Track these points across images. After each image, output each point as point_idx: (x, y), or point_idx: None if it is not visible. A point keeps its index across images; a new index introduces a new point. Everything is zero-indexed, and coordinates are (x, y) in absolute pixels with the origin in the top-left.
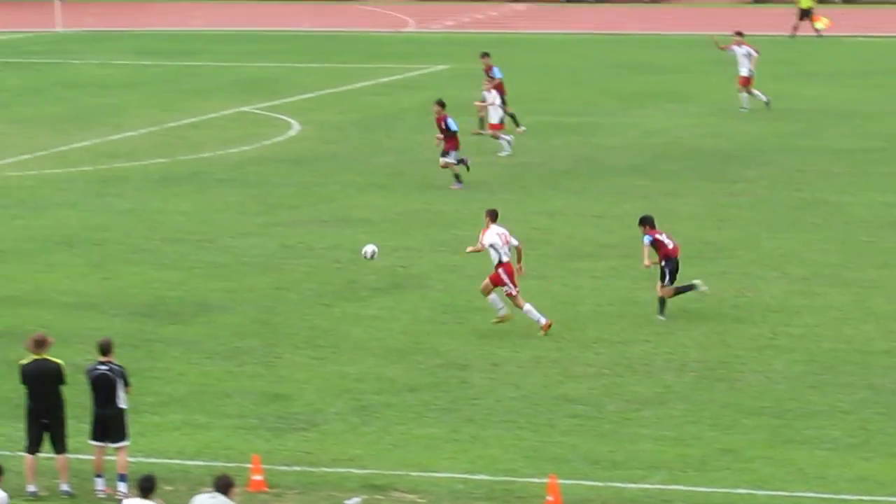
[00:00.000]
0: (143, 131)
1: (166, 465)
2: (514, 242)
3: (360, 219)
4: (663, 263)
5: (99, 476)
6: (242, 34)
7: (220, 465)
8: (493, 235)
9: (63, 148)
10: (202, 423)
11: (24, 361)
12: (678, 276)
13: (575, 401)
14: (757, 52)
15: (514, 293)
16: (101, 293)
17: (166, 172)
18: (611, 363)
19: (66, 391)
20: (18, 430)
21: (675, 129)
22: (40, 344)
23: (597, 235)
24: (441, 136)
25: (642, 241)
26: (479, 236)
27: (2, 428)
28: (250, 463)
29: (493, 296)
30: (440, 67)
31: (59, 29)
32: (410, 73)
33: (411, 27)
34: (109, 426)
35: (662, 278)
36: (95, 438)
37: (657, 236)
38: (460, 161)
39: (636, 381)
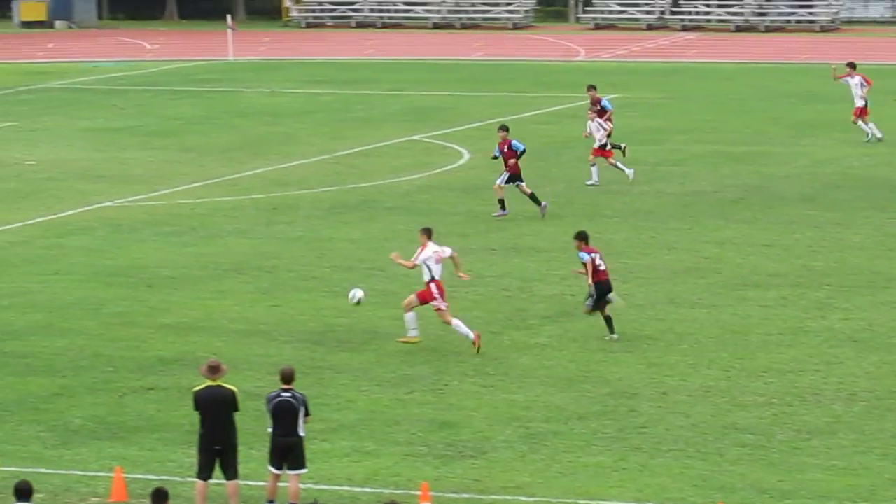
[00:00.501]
0: (313, 159)
1: (335, 492)
2: (448, 253)
3: (529, 247)
4: (593, 287)
5: (270, 502)
6: (413, 63)
7: (388, 492)
8: (429, 253)
9: (234, 176)
10: (371, 450)
11: (198, 388)
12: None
13: (744, 430)
14: (870, 82)
15: (442, 308)
16: (271, 320)
17: (336, 200)
18: (780, 392)
19: (237, 417)
20: (190, 456)
21: (845, 158)
22: (215, 370)
23: (766, 265)
24: (504, 159)
25: (579, 257)
26: (415, 253)
27: (173, 454)
28: (419, 490)
29: (410, 314)
30: (610, 96)
31: (231, 58)
32: (580, 103)
33: (582, 56)
34: (289, 454)
35: (590, 299)
36: (274, 465)
37: (594, 256)
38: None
39: (805, 411)
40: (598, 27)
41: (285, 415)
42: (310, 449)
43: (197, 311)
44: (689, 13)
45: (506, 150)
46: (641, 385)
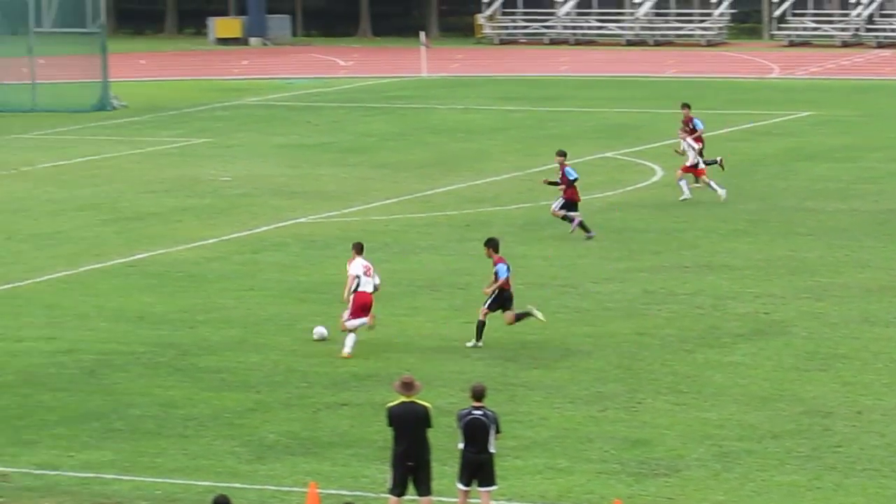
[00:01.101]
0: (506, 176)
1: None
2: (377, 281)
3: (722, 265)
4: (497, 291)
5: None
6: (606, 80)
7: None
8: (359, 267)
9: (427, 192)
10: (564, 467)
11: (392, 404)
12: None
13: None
14: None
15: (344, 318)
16: (464, 337)
17: (529, 217)
18: None
19: (430, 434)
20: (382, 472)
21: None
22: (409, 387)
23: None
24: (561, 184)
25: (497, 272)
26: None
27: (366, 470)
28: None
29: (353, 322)
30: (804, 114)
31: (424, 74)
32: (774, 120)
33: (776, 74)
34: (479, 471)
35: (491, 306)
36: (463, 482)
37: (504, 266)
38: (565, 217)
39: None
40: (792, 44)
41: (476, 432)
42: (501, 466)
43: (391, 327)
44: (884, 30)
45: (562, 174)
46: (836, 404)
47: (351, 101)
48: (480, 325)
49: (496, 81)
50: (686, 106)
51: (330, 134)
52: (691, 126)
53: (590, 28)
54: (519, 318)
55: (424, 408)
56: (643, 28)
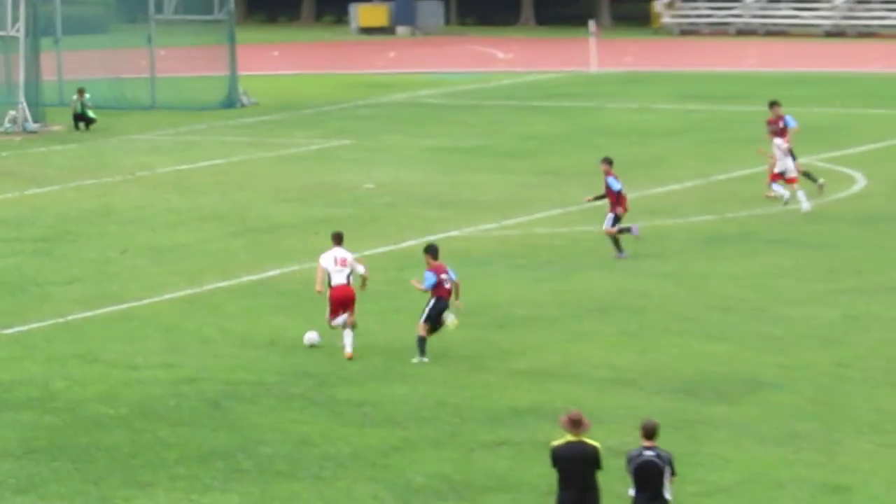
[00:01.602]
0: (686, 184)
1: None
2: (360, 270)
3: None
4: (433, 301)
5: None
6: (800, 76)
7: None
8: (330, 258)
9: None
10: None
11: (557, 443)
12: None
13: None
14: None
15: (328, 316)
16: (638, 367)
17: (713, 231)
18: None
19: (599, 476)
20: None
21: None
22: (577, 424)
23: None
24: (605, 198)
25: (424, 279)
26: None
27: None
28: None
29: (338, 320)
30: None
31: (593, 69)
32: None
33: None
34: None
35: (428, 317)
36: None
37: (442, 276)
38: (622, 231)
39: None
40: None
41: (649, 475)
42: None
43: (555, 355)
44: None
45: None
46: None
47: (511, 98)
48: (421, 341)
49: (675, 77)
50: (775, 104)
51: (487, 136)
52: (781, 125)
53: (782, 17)
54: (433, 330)
55: (594, 448)
56: (843, 18)
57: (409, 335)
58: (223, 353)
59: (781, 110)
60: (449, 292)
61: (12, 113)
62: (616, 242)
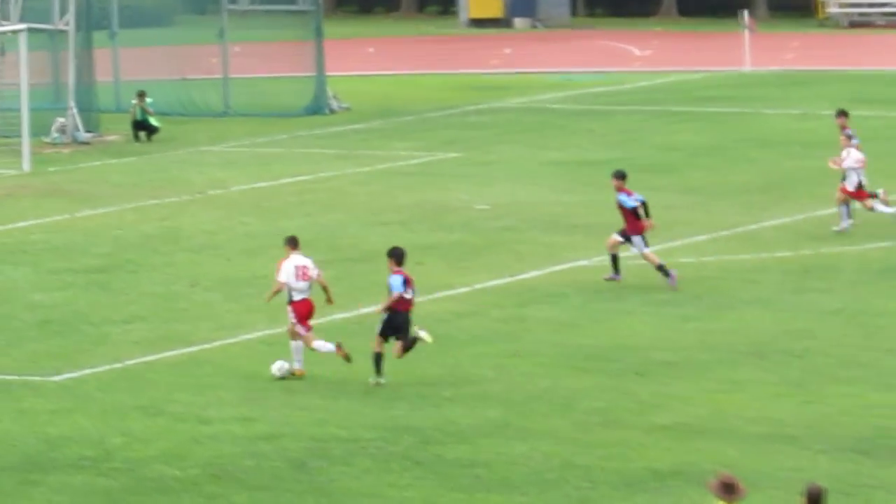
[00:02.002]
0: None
1: None
2: (314, 274)
3: None
4: (388, 315)
5: None
6: None
7: None
8: (291, 271)
9: (752, 226)
10: None
11: None
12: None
13: None
14: None
15: (303, 332)
16: (801, 421)
17: (891, 261)
18: None
19: None
20: None
21: None
22: (731, 489)
23: None
24: (623, 216)
25: (389, 284)
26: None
27: None
28: None
29: (317, 343)
30: None
31: (747, 68)
32: None
33: None
34: None
35: (383, 332)
36: None
37: (400, 278)
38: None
39: None
40: None
41: None
42: None
43: (703, 407)
44: None
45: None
46: None
47: (649, 102)
48: (377, 358)
49: (844, 77)
50: (843, 114)
51: (621, 147)
52: (846, 134)
53: None
54: (407, 347)
55: None
56: None
57: (529, 384)
58: (310, 404)
59: (847, 121)
60: (409, 305)
61: (61, 121)
62: (614, 261)
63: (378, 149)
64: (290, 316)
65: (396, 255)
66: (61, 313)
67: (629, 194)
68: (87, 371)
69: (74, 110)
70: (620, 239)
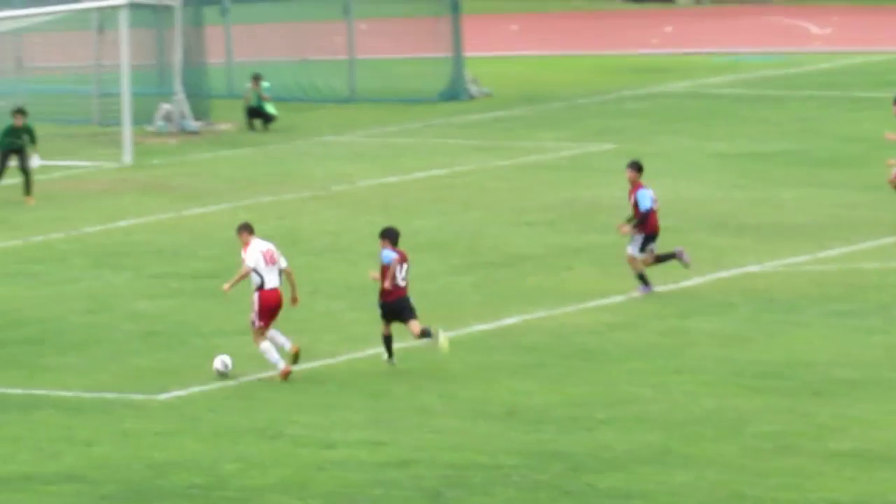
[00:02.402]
0: None
1: None
2: (283, 265)
3: None
4: (383, 305)
5: None
6: None
7: None
8: (257, 255)
9: None
10: None
11: None
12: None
13: None
14: None
15: (258, 325)
16: None
17: None
18: None
19: None
20: None
21: None
22: None
23: None
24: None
25: (381, 257)
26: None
27: None
28: None
29: (265, 344)
30: None
31: None
32: None
33: None
34: None
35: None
36: None
37: (392, 253)
38: (664, 258)
39: None
40: None
41: None
42: None
43: (890, 431)
44: None
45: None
46: None
47: (829, 87)
48: (386, 340)
49: None
50: None
51: (797, 138)
52: None
53: None
54: (423, 332)
55: None
56: None
57: (694, 404)
58: (446, 426)
59: None
60: (402, 291)
61: (167, 107)
62: (642, 276)
63: (522, 139)
64: (254, 305)
65: (391, 236)
66: (167, 324)
67: (647, 191)
68: (197, 389)
69: (181, 96)
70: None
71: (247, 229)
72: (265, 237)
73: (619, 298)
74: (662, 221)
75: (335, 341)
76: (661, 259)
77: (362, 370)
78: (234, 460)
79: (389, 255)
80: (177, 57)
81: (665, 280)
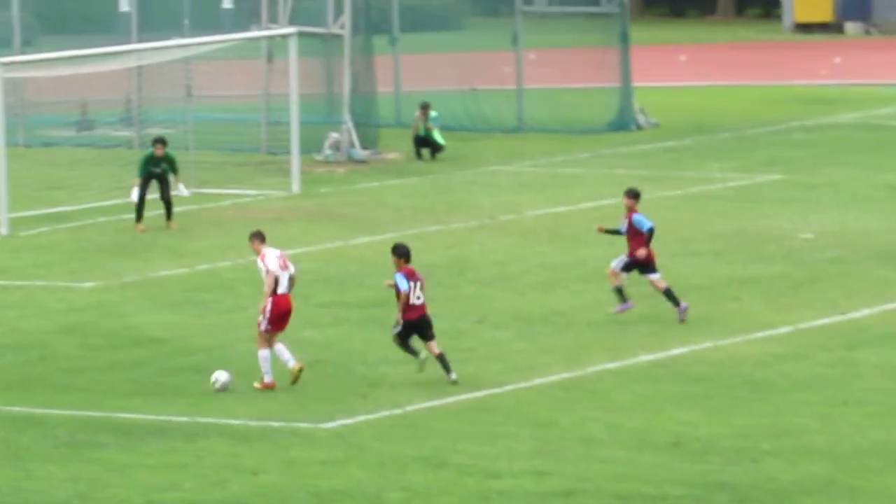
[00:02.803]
0: None
1: None
2: (293, 270)
3: None
4: (401, 326)
5: None
6: None
7: None
8: (275, 260)
9: None
10: None
11: None
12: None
13: None
14: None
15: (265, 328)
16: None
17: None
18: None
19: None
20: None
21: None
22: None
23: None
24: (627, 238)
25: (395, 280)
26: (260, 266)
27: None
28: None
29: (265, 352)
30: None
31: None
32: None
33: None
34: None
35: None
36: None
37: (413, 284)
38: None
39: None
40: None
41: None
42: None
43: None
44: None
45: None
46: None
47: None
48: (404, 346)
49: None
50: None
51: None
52: None
53: None
54: (441, 358)
55: None
56: None
57: (860, 436)
58: (611, 457)
59: None
60: (421, 310)
61: (335, 136)
62: (620, 290)
63: (690, 169)
64: (267, 307)
65: (403, 253)
66: (333, 353)
67: (644, 218)
68: (362, 417)
69: (350, 124)
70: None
71: (259, 237)
72: (432, 266)
73: (786, 329)
74: (828, 252)
75: (501, 371)
76: (668, 295)
77: (528, 399)
78: (399, 489)
79: (403, 283)
80: (345, 86)
81: (832, 312)
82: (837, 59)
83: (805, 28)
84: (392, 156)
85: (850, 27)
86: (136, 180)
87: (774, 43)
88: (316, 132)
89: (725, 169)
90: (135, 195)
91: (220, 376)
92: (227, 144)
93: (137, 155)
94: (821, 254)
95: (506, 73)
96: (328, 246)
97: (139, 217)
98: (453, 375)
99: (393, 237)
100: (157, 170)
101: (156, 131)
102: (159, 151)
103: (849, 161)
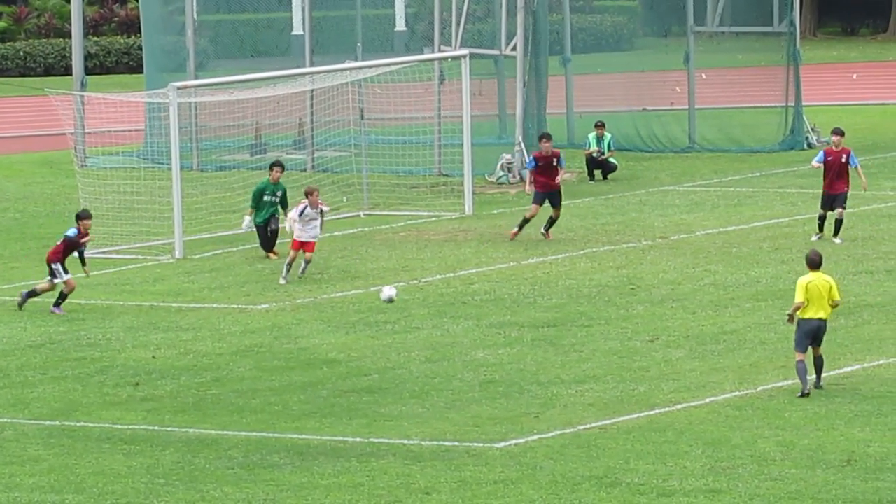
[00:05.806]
0: None
1: None
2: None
3: None
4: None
5: None
6: None
7: None
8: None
9: None
10: None
11: None
12: None
13: None
14: None
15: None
16: None
17: None
18: None
19: None
20: None
21: None
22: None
23: None
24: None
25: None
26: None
27: None
28: None
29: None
30: None
31: None
32: None
33: None
34: None
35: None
36: None
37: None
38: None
39: None
40: None
41: None
42: None
43: None
44: None
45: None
46: None
47: None
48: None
49: None
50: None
51: None
52: None
53: None
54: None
55: None
56: None
57: None
58: (784, 474)
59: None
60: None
61: (507, 157)
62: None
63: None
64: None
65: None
66: (506, 372)
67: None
68: (535, 437)
69: (522, 146)
70: None
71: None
72: (604, 286)
73: None
74: None
75: (674, 389)
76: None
77: (699, 418)
78: None
79: (530, 162)
80: (518, 107)
81: None
82: None
83: None
84: (565, 176)
85: None
86: (249, 210)
87: None
88: (489, 153)
89: None
90: (246, 224)
91: (387, 290)
92: (399, 166)
93: (309, 179)
94: None
95: (677, 93)
96: (500, 266)
97: (268, 246)
98: None
99: (565, 257)
100: (273, 198)
101: (329, 155)
102: (276, 176)
103: None
